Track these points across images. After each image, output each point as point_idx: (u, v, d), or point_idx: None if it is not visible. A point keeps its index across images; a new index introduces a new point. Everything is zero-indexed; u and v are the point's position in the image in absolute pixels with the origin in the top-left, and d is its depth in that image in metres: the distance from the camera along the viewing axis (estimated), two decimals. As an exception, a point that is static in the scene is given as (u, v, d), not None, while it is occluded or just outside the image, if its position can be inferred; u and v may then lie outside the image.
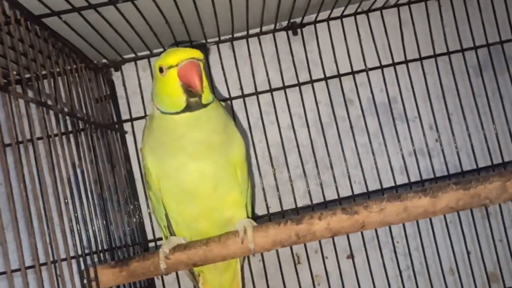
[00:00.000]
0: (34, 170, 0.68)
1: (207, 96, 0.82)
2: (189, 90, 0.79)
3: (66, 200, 0.77)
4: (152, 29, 1.10)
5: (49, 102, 0.80)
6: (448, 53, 1.30)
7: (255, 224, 0.85)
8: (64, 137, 0.82)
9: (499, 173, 0.73)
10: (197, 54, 0.81)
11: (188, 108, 0.80)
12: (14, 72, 0.69)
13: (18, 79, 0.75)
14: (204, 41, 1.28)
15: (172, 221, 0.92)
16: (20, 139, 0.67)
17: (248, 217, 0.92)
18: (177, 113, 0.81)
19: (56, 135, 0.79)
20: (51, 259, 0.71)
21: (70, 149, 0.84)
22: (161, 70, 0.80)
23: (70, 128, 0.88)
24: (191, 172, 0.84)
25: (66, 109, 0.86)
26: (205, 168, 0.84)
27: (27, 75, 0.84)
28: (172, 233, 0.94)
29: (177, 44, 1.23)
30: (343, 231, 0.77)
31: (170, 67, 0.79)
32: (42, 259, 0.70)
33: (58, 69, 0.88)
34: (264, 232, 0.81)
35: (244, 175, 0.92)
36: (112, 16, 0.98)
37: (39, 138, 0.73)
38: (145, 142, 0.90)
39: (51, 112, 0.79)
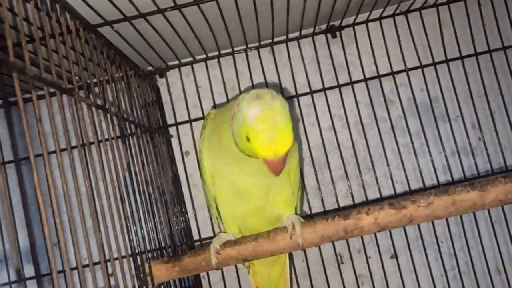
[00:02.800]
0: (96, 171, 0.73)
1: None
2: None
3: (122, 199, 0.81)
4: (196, 36, 1.14)
5: (106, 106, 0.85)
6: (489, 51, 1.29)
7: (302, 220, 0.87)
8: (119, 139, 0.86)
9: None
10: (287, 147, 0.76)
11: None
12: (76, 78, 0.74)
13: (80, 85, 0.79)
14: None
15: (222, 216, 0.95)
16: (82, 141, 0.72)
17: (296, 214, 0.94)
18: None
19: (113, 138, 0.83)
20: (110, 256, 0.74)
21: (124, 151, 0.88)
22: (247, 139, 0.77)
23: (123, 131, 0.93)
24: (245, 179, 0.86)
25: (121, 113, 0.91)
26: (258, 181, 0.86)
27: (87, 81, 0.89)
28: (222, 228, 0.97)
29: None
30: (390, 226, 0.78)
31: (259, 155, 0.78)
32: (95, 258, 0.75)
33: (111, 76, 0.93)
34: (312, 228, 0.83)
35: (297, 178, 0.94)
36: (158, 24, 1.03)
37: (100, 141, 0.77)
38: (205, 139, 0.92)
39: (108, 116, 0.83)
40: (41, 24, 0.71)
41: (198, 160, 1.28)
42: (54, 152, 0.65)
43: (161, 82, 1.34)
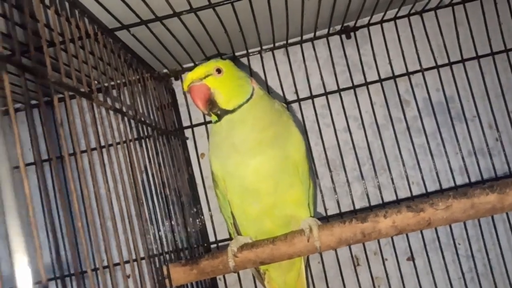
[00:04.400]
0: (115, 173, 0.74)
1: (233, 101, 0.87)
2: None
3: (141, 202, 0.82)
4: (211, 38, 1.15)
5: (124, 110, 0.85)
6: (506, 50, 1.28)
7: (319, 223, 0.87)
8: (137, 142, 0.87)
9: None
10: (200, 72, 0.88)
11: (219, 116, 0.88)
12: (96, 82, 0.74)
13: (98, 88, 0.80)
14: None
15: (237, 220, 0.95)
16: (102, 143, 0.72)
17: (311, 216, 0.94)
18: (217, 121, 0.89)
19: (130, 140, 0.84)
20: (129, 258, 0.75)
21: (142, 153, 0.89)
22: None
23: (140, 134, 0.94)
24: (250, 169, 0.88)
25: (138, 116, 0.92)
26: (263, 165, 0.87)
27: (105, 84, 0.90)
28: (239, 233, 0.97)
29: (232, 55, 1.27)
30: (408, 229, 0.77)
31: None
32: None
33: (128, 79, 0.94)
34: (329, 231, 0.82)
35: (305, 173, 0.94)
36: (174, 27, 1.04)
37: (118, 143, 0.78)
38: (210, 146, 0.96)
39: (125, 119, 0.84)
40: (61, 29, 0.71)
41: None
42: (74, 154, 0.66)
43: (176, 85, 1.35)
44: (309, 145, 1.30)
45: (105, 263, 0.67)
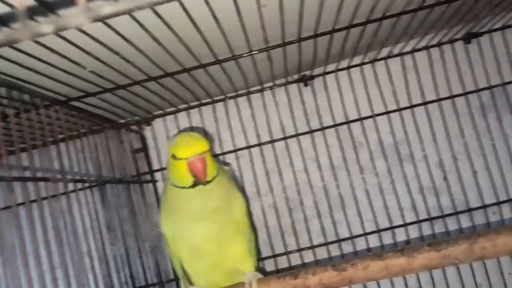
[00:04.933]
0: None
1: (212, 174, 0.96)
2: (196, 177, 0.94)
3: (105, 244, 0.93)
4: (176, 95, 1.25)
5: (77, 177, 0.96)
6: (452, 96, 1.38)
7: (260, 276, 0.98)
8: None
9: (467, 236, 0.82)
10: (203, 147, 0.94)
11: (194, 185, 0.95)
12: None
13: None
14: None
15: (188, 272, 1.06)
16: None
17: (255, 264, 1.05)
18: (185, 187, 0.96)
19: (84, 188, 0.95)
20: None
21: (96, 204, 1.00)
22: (174, 156, 0.95)
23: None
24: (197, 233, 0.98)
25: (93, 178, 1.03)
26: (209, 229, 0.98)
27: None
28: (191, 282, 1.08)
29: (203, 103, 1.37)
30: (333, 286, 0.88)
31: (181, 158, 0.94)
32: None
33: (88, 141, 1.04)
34: (266, 285, 0.92)
35: (246, 229, 1.05)
36: (139, 89, 1.14)
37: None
38: (161, 208, 1.05)
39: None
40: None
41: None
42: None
43: (147, 130, 1.45)
44: (270, 185, 1.41)
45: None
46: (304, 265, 1.38)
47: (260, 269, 1.07)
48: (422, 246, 0.83)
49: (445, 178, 1.39)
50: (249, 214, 1.13)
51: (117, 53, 0.90)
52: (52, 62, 0.85)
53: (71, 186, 0.93)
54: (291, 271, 0.92)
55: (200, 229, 0.98)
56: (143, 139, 1.43)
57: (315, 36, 1.08)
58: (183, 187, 0.95)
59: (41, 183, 0.81)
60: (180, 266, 1.06)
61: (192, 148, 0.93)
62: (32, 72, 0.88)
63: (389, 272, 0.84)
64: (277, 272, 1.37)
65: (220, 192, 0.99)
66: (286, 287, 0.90)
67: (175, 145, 0.95)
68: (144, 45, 0.89)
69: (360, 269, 0.86)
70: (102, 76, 0.99)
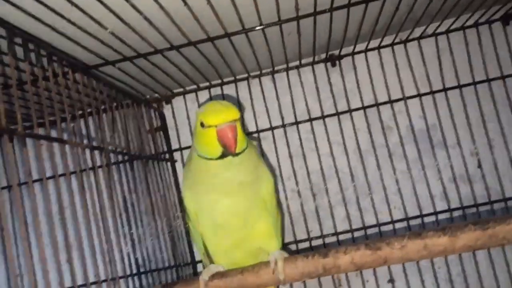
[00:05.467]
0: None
1: (241, 146, 0.90)
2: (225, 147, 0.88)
3: (122, 223, 0.88)
4: (198, 69, 1.20)
5: (102, 145, 0.91)
6: (488, 80, 1.31)
7: (286, 255, 0.92)
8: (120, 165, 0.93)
9: (518, 215, 0.75)
10: (235, 115, 0.88)
11: (223, 156, 0.89)
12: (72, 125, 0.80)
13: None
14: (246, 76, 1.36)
15: (209, 250, 1.01)
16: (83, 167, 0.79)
17: (280, 245, 0.99)
18: (213, 159, 0.90)
19: (100, 166, 0.90)
20: (110, 276, 0.81)
21: (124, 179, 0.95)
22: (202, 124, 0.89)
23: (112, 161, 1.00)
24: (223, 207, 0.93)
25: (119, 149, 0.98)
26: (236, 204, 0.93)
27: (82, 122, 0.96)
28: (211, 261, 1.02)
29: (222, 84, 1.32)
30: (366, 266, 0.82)
31: (210, 126, 0.87)
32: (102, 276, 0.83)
33: (96, 108, 1.00)
34: (293, 264, 0.87)
35: (273, 208, 0.99)
36: (160, 61, 1.09)
37: (99, 166, 0.86)
38: (184, 180, 1.00)
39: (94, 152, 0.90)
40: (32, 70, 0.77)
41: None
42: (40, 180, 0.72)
43: (167, 108, 1.40)
44: (293, 169, 1.35)
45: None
46: (327, 253, 1.32)
47: (285, 249, 1.01)
48: (467, 225, 0.77)
49: (479, 166, 1.31)
50: (276, 193, 1.07)
51: (140, 12, 0.85)
52: (73, 20, 0.81)
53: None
54: (321, 250, 0.85)
55: (226, 204, 0.92)
56: (162, 117, 1.38)
57: (349, 5, 1.02)
58: (210, 158, 0.89)
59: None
60: (201, 243, 1.00)
61: (222, 115, 0.87)
62: (54, 33, 0.83)
63: (429, 253, 0.78)
64: (299, 259, 1.31)
65: (249, 166, 0.93)
66: (315, 266, 0.84)
67: (204, 112, 0.89)
68: (171, 8, 0.85)
69: (397, 249, 0.79)
70: (124, 41, 0.94)
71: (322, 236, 1.33)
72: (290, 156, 1.35)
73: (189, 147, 1.37)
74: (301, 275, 0.86)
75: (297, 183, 1.34)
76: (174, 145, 1.38)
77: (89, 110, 0.93)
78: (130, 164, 1.05)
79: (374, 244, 0.81)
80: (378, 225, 1.32)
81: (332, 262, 0.83)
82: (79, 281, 0.73)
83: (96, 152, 0.89)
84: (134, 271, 0.96)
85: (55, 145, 0.73)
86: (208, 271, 0.96)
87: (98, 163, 0.89)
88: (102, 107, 0.99)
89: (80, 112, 0.91)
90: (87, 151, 0.83)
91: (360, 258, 0.81)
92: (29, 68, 0.71)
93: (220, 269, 0.97)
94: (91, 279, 0.82)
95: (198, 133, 0.91)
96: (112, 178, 0.92)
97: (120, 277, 0.87)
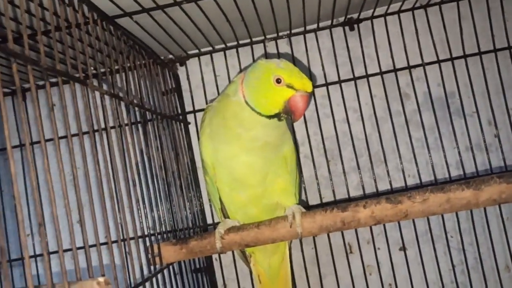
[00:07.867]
0: (107, 156, 0.78)
1: None
2: (287, 111, 0.85)
3: (134, 183, 0.86)
4: (214, 27, 1.18)
5: (121, 95, 0.90)
6: (509, 47, 1.28)
7: (303, 210, 0.91)
8: (133, 126, 0.91)
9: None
10: (312, 89, 0.86)
11: (274, 116, 0.86)
12: (92, 68, 0.78)
13: (94, 74, 0.84)
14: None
15: (225, 205, 1.00)
16: (95, 127, 0.77)
17: (297, 203, 0.98)
18: (259, 113, 0.86)
19: (126, 124, 0.88)
20: (122, 237, 0.79)
21: (138, 137, 0.93)
22: (278, 80, 0.84)
23: (138, 118, 0.98)
24: (243, 163, 0.91)
25: (135, 101, 0.96)
26: (256, 161, 0.91)
27: (102, 70, 0.94)
28: (226, 217, 1.02)
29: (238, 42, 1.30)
30: (386, 219, 0.80)
31: (291, 87, 0.84)
32: (113, 237, 0.81)
33: (128, 65, 0.98)
34: (311, 218, 0.86)
35: (293, 166, 0.98)
36: (177, 16, 1.07)
37: (112, 127, 0.83)
38: (205, 127, 0.97)
39: (122, 104, 0.88)
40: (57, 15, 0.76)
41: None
42: (65, 137, 0.70)
43: (181, 70, 1.38)
44: (307, 135, 1.33)
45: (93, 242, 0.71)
46: (339, 220, 1.31)
47: (302, 203, 1.00)
48: (492, 178, 0.75)
49: (496, 135, 1.29)
50: (297, 151, 1.06)
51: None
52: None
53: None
54: (340, 204, 0.84)
55: (247, 159, 0.90)
56: (176, 79, 1.36)
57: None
58: (258, 112, 0.86)
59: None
60: (218, 198, 0.99)
61: (308, 84, 0.85)
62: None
63: (451, 206, 0.76)
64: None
65: (281, 131, 0.92)
66: (334, 220, 0.83)
67: (289, 71, 0.85)
68: None
69: (418, 202, 0.78)
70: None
71: (335, 202, 1.31)
72: (305, 121, 1.34)
73: (202, 109, 1.35)
74: (319, 228, 0.85)
75: (311, 148, 1.33)
76: (188, 108, 1.37)
77: (116, 67, 0.91)
78: (157, 122, 1.03)
79: (395, 197, 0.80)
80: (392, 192, 1.30)
81: (351, 215, 0.82)
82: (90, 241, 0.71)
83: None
84: (146, 233, 0.94)
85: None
86: (224, 225, 0.95)
87: (125, 121, 0.87)
88: (128, 64, 0.97)
89: (108, 69, 0.89)
90: (122, 105, 0.80)
91: (380, 212, 0.80)
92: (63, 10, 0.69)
93: (235, 223, 0.96)
94: (101, 239, 0.81)
95: (265, 85, 0.85)
96: (145, 135, 0.90)
97: (131, 238, 0.85)
